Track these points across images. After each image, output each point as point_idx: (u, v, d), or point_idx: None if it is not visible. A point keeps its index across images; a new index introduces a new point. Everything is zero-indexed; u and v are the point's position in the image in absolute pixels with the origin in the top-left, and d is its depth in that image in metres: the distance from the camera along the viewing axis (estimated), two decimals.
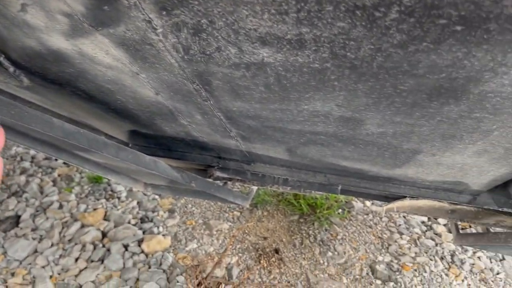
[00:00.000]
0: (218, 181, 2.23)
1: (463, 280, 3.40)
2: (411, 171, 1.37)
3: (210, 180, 2.04)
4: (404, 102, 0.83)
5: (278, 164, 1.74)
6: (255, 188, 2.47)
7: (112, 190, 3.96)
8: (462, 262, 3.59)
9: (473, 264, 3.59)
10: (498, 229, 1.99)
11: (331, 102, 0.91)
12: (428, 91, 0.76)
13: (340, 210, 4.14)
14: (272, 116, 1.08)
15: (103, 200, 3.80)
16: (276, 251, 3.57)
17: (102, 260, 3.19)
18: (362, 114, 0.93)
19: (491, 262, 3.63)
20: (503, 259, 3.67)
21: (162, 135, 1.65)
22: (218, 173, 1.94)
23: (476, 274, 3.50)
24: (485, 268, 3.56)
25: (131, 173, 2.03)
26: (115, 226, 3.52)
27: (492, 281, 3.43)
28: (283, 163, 1.69)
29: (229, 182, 2.28)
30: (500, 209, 1.58)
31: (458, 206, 2.02)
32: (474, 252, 3.71)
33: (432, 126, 0.92)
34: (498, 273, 3.52)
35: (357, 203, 4.28)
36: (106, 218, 3.61)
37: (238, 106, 1.06)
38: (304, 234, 3.79)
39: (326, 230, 3.85)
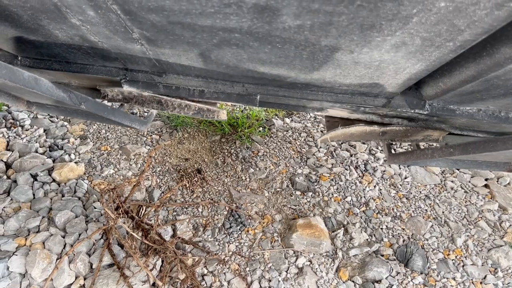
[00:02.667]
0: (115, 102, 2.07)
1: (375, 186, 3.68)
2: (329, 73, 1.35)
3: (103, 102, 1.87)
4: None
5: (192, 75, 1.62)
6: (154, 111, 2.34)
7: (13, 118, 3.62)
8: (374, 169, 3.86)
9: (384, 171, 3.87)
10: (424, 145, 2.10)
11: None
12: None
13: (261, 128, 4.16)
14: (177, 8, 0.95)
15: (4, 129, 3.48)
16: (199, 171, 3.58)
17: (8, 192, 3.01)
18: (277, 0, 0.85)
19: (400, 168, 3.93)
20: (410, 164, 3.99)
21: (54, 43, 1.43)
22: (126, 87, 1.78)
23: (387, 179, 3.79)
24: (395, 174, 3.86)
25: (9, 89, 1.80)
26: (20, 156, 3.28)
27: (401, 185, 3.75)
28: (198, 72, 1.57)
29: (125, 104, 2.13)
30: (412, 111, 1.64)
31: (388, 128, 2.08)
32: (385, 160, 3.97)
33: (351, 14, 0.87)
34: (406, 178, 3.83)
35: (277, 121, 4.31)
36: (9, 148, 3.33)
37: None
38: (226, 153, 3.81)
39: (247, 148, 3.89)
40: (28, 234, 2.72)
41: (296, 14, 0.91)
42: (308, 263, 2.86)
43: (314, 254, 2.92)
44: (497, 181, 3.80)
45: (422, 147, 2.21)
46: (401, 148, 4.10)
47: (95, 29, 1.21)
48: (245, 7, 0.91)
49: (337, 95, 1.66)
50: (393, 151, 2.40)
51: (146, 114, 3.87)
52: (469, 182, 3.78)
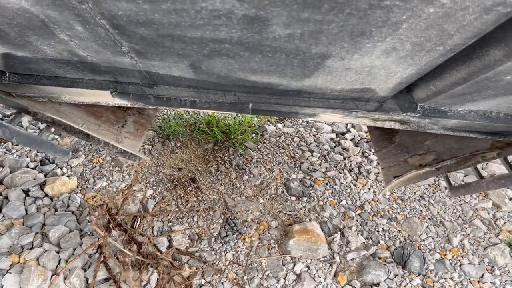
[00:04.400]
0: (43, 122, 2.14)
1: (369, 188, 3.69)
2: (320, 80, 1.35)
3: (34, 135, 1.98)
4: None
5: (183, 85, 1.61)
6: (75, 138, 2.44)
7: None
8: (368, 172, 3.87)
9: (377, 173, 3.88)
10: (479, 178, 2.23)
11: None
12: None
13: (253, 135, 4.16)
14: (167, 21, 0.94)
15: None
16: (193, 180, 3.56)
17: (0, 209, 2.96)
18: (267, 10, 0.84)
19: None
20: None
21: (43, 58, 1.41)
22: (117, 100, 1.78)
23: (381, 181, 3.79)
24: None
25: None
26: (11, 172, 3.24)
27: None
28: (189, 83, 1.56)
29: (54, 128, 2.20)
30: (404, 114, 1.66)
31: (440, 164, 2.10)
32: (378, 162, 3.99)
33: (341, 22, 0.87)
34: None
35: (270, 126, 4.31)
36: None
37: (124, 9, 0.90)
38: (220, 161, 3.80)
39: (241, 155, 3.88)
40: (22, 251, 2.68)
41: (286, 24, 0.91)
42: (306, 269, 2.85)
43: (311, 260, 2.91)
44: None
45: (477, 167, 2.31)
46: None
47: (84, 44, 1.20)
48: (234, 18, 0.90)
49: (329, 100, 1.66)
50: (453, 184, 2.46)
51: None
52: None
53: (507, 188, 3.73)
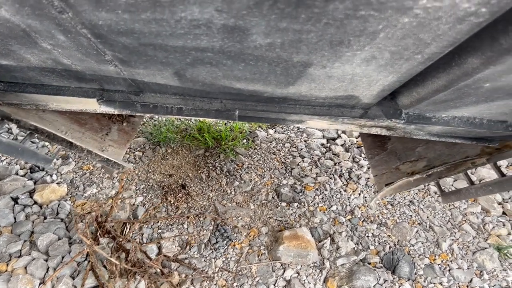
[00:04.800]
0: (24, 129, 2.16)
1: (359, 194, 3.71)
2: (304, 87, 1.36)
3: (16, 143, 1.99)
4: (287, 2, 0.78)
5: (169, 93, 1.62)
6: (59, 146, 2.43)
7: None
8: (359, 177, 3.88)
9: (368, 178, 3.90)
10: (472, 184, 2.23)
11: (209, 7, 0.82)
12: None
13: (244, 141, 4.17)
14: (147, 30, 0.95)
15: None
16: (183, 186, 3.56)
17: None
18: (246, 20, 0.86)
19: None
20: None
21: (27, 66, 1.42)
22: (104, 107, 1.78)
23: (371, 187, 3.82)
24: None
25: None
26: (0, 179, 3.21)
27: None
28: (175, 90, 1.56)
29: (36, 134, 2.20)
30: (389, 121, 1.68)
31: (431, 171, 2.12)
32: (369, 167, 4.01)
33: (319, 32, 0.89)
34: None
35: (261, 132, 4.32)
36: None
37: (104, 19, 0.91)
38: (211, 167, 3.80)
39: (232, 161, 3.88)
40: (10, 259, 2.65)
41: (265, 33, 0.92)
42: (296, 275, 2.85)
43: (301, 266, 2.91)
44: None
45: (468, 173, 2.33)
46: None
47: (67, 52, 1.21)
48: (214, 28, 0.91)
49: (314, 107, 1.68)
50: (445, 190, 2.50)
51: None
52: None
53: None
